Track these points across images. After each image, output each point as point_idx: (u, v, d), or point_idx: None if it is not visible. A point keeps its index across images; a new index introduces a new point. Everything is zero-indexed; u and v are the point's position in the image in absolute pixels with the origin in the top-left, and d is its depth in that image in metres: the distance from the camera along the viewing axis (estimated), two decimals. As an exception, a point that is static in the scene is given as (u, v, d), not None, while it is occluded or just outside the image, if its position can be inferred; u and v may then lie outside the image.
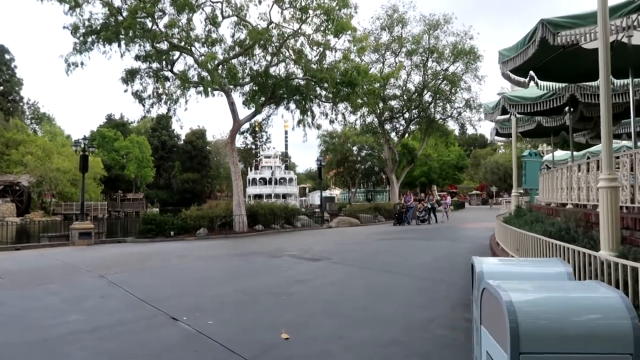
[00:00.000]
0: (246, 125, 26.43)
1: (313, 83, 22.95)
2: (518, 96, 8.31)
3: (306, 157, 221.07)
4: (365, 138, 62.41)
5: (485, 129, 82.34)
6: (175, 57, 22.25)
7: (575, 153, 20.66)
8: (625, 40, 6.52)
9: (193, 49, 20.90)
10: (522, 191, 12.18)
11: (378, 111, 34.55)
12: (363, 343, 5.17)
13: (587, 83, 7.43)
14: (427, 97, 36.06)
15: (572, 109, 9.68)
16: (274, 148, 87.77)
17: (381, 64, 34.97)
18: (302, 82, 23.05)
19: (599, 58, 4.22)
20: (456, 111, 36.66)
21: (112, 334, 5.64)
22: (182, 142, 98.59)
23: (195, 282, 9.16)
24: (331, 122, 26.41)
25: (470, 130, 41.54)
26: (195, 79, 21.96)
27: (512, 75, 6.81)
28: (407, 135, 38.54)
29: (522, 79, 6.80)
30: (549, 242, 4.84)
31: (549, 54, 6.19)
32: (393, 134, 39.37)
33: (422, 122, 37.00)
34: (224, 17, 20.88)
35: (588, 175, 6.31)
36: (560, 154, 20.38)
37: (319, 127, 27.77)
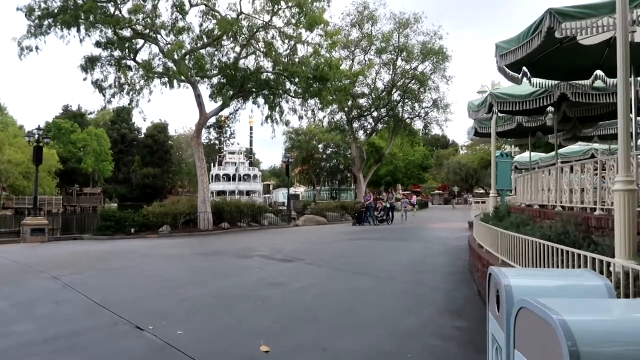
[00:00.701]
0: (212, 120, 25.61)
1: (283, 78, 22.37)
2: (507, 94, 8.05)
3: (271, 154, 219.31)
4: (332, 136, 62.31)
5: (452, 129, 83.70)
6: (139, 46, 21.20)
7: (542, 155, 20.97)
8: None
9: (159, 37, 19.92)
10: (494, 192, 11.99)
11: (347, 109, 34.22)
12: (351, 355, 4.71)
13: (579, 82, 7.22)
14: (396, 96, 36.02)
15: (557, 109, 9.55)
16: (238, 144, 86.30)
17: (351, 61, 34.66)
18: (272, 77, 22.43)
19: (618, 50, 3.90)
20: (424, 111, 36.79)
21: (67, 347, 4.97)
22: (143, 136, 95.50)
23: (161, 284, 8.48)
24: (300, 118, 25.97)
25: (436, 131, 41.79)
26: (161, 69, 20.98)
27: (508, 70, 6.50)
28: (375, 134, 38.38)
29: (516, 75, 6.49)
30: (554, 248, 4.51)
31: (549, 48, 5.90)
32: (361, 133, 39.22)
33: (390, 121, 36.94)
34: (192, 5, 20.00)
35: (583, 177, 6.08)
36: (526, 155, 20.51)
37: (287, 123, 27.24)
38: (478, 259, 8.11)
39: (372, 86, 36.72)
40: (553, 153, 18.77)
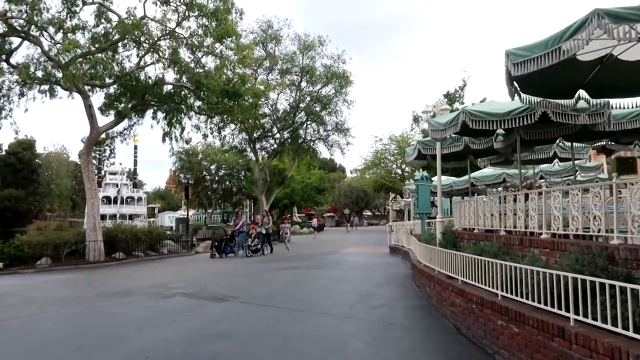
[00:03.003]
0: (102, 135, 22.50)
1: (188, 91, 20.41)
2: (482, 111, 7.46)
3: (156, 175, 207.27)
4: (226, 157, 60.06)
5: (352, 153, 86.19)
6: (13, 45, 17.90)
7: (455, 179, 21.45)
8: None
9: (43, 36, 16.88)
10: (440, 216, 11.46)
11: (249, 129, 32.75)
12: None
13: (562, 101, 6.83)
14: (299, 117, 35.38)
15: (510, 131, 9.27)
16: (120, 164, 79.63)
17: (254, 80, 33.38)
18: (175, 89, 20.34)
19: None
20: (325, 133, 36.58)
21: None
22: (4, 153, 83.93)
23: (64, 346, 6.35)
24: (205, 136, 24.00)
25: (337, 154, 42.01)
26: (41, 74, 17.83)
27: (514, 85, 5.81)
28: (278, 155, 37.29)
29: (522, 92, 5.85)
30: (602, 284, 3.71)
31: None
32: (264, 154, 37.84)
33: (293, 142, 36.15)
34: (85, 3, 17.37)
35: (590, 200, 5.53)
36: (442, 179, 20.77)
37: (188, 141, 25.13)
38: (454, 292, 7.28)
39: (273, 107, 35.78)
40: (466, 177, 19.22)
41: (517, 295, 5.61)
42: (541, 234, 6.83)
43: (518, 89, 6.32)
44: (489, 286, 6.35)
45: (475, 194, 21.79)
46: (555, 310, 4.81)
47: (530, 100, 6.54)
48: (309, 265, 16.02)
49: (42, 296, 10.28)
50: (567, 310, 4.60)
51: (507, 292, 5.85)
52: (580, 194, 5.98)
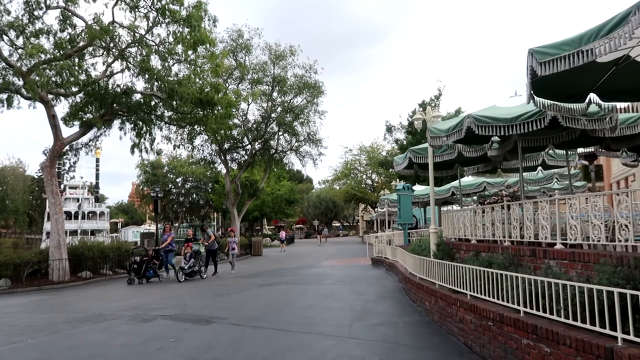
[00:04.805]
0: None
1: (158, 100, 19.54)
2: (489, 116, 7.13)
3: (118, 189, 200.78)
4: (192, 169, 58.58)
5: (320, 164, 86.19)
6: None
7: (435, 188, 21.29)
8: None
9: (2, 43, 15.70)
10: (433, 227, 11.08)
11: (221, 139, 31.84)
12: None
13: (574, 105, 6.57)
14: (270, 128, 34.74)
15: (506, 138, 9.03)
16: (81, 177, 76.50)
17: (225, 89, 32.57)
18: (145, 98, 19.43)
19: None
20: (298, 144, 36.05)
21: None
22: (-47, 167, 79.49)
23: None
24: (177, 147, 23.09)
25: (309, 165, 41.50)
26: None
27: (530, 90, 5.47)
28: (250, 167, 36.45)
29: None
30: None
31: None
32: (234, 165, 36.92)
33: (264, 153, 35.44)
34: (48, 7, 16.35)
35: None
36: (419, 188, 20.66)
37: (159, 152, 24.17)
38: (463, 308, 6.87)
39: (244, 117, 35.08)
40: (447, 186, 19.10)
41: (544, 311, 5.24)
42: (554, 244, 6.53)
43: (532, 92, 6.00)
44: (507, 301, 5.97)
45: (454, 204, 21.85)
46: (597, 328, 4.45)
47: (543, 104, 6.22)
48: (291, 280, 15.39)
49: (6, 323, 9.27)
50: (613, 329, 4.24)
51: (530, 307, 5.47)
52: (602, 201, 5.69)
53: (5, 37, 15.49)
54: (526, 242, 7.38)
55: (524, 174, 16.97)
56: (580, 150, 12.92)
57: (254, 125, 35.00)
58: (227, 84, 32.12)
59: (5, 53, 16.27)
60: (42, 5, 16.11)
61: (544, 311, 5.23)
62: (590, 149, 11.23)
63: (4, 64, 16.37)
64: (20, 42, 15.53)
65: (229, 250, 19.73)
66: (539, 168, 14.35)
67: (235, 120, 34.18)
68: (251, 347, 6.87)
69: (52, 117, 17.52)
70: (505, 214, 7.91)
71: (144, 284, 15.87)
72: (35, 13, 16.34)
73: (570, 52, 4.68)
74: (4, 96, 17.32)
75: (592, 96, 6.64)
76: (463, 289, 7.23)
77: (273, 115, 34.52)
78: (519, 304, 5.65)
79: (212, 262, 18.53)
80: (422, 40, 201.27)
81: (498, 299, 6.19)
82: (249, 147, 35.66)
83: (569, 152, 11.12)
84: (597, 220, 5.62)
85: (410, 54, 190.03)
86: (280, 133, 35.28)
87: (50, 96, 17.66)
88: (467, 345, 6.74)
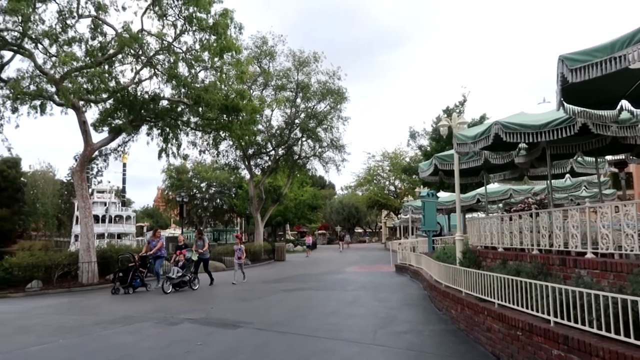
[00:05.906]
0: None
1: (185, 106, 19.90)
2: (517, 123, 7.05)
3: (144, 193, 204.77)
4: (216, 174, 59.27)
5: (342, 170, 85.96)
6: (4, 60, 17.28)
7: (461, 195, 21.09)
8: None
9: (38, 49, 16.26)
10: (459, 234, 10.95)
11: (246, 145, 32.18)
12: None
13: (605, 112, 6.46)
14: (294, 134, 34.96)
15: (534, 145, 8.89)
16: (109, 182, 78.14)
17: (249, 96, 32.96)
18: (172, 105, 19.81)
19: None
20: (321, 150, 36.17)
21: None
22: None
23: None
24: (202, 152, 23.44)
25: (333, 171, 41.58)
26: (33, 88, 17.20)
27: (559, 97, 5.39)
28: (273, 172, 36.73)
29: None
30: None
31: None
32: (258, 171, 37.25)
33: (288, 159, 35.66)
34: (80, 16, 16.85)
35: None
36: (443, 195, 20.47)
37: (185, 157, 24.61)
38: (490, 317, 6.78)
39: (267, 124, 35.39)
40: (472, 192, 18.87)
41: (575, 321, 5.14)
42: (585, 253, 6.39)
43: (562, 98, 5.90)
44: (536, 311, 5.87)
45: (479, 211, 21.57)
46: (631, 340, 4.34)
47: (573, 110, 6.12)
48: (315, 286, 15.40)
49: (38, 324, 9.54)
50: (649, 342, 4.13)
51: (561, 317, 5.37)
52: (634, 210, 5.56)
53: (40, 46, 16.03)
54: (555, 250, 7.25)
55: (552, 181, 16.71)
56: (609, 157, 12.62)
57: (278, 131, 35.29)
58: (251, 90, 32.48)
59: (39, 61, 16.84)
60: (75, 14, 16.64)
61: (575, 321, 5.13)
62: (621, 156, 10.93)
63: (37, 71, 16.92)
64: (53, 50, 16.07)
65: (236, 260, 17.48)
66: (567, 175, 14.06)
67: (260, 126, 34.50)
68: (276, 352, 6.91)
69: (82, 123, 18.00)
70: (533, 222, 7.79)
71: (130, 293, 14.45)
72: (68, 22, 16.90)
73: (603, 58, 4.61)
74: (38, 103, 17.89)
75: (624, 103, 6.51)
76: (491, 297, 7.14)
77: (297, 121, 34.76)
78: (549, 314, 5.55)
79: (205, 271, 16.91)
80: (445, 44, 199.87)
81: (527, 308, 6.09)
82: (272, 152, 35.92)
83: (598, 160, 10.90)
84: (630, 229, 5.49)
85: (432, 59, 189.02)
86: (303, 139, 35.49)
87: (81, 103, 18.16)
88: (495, 355, 6.64)
